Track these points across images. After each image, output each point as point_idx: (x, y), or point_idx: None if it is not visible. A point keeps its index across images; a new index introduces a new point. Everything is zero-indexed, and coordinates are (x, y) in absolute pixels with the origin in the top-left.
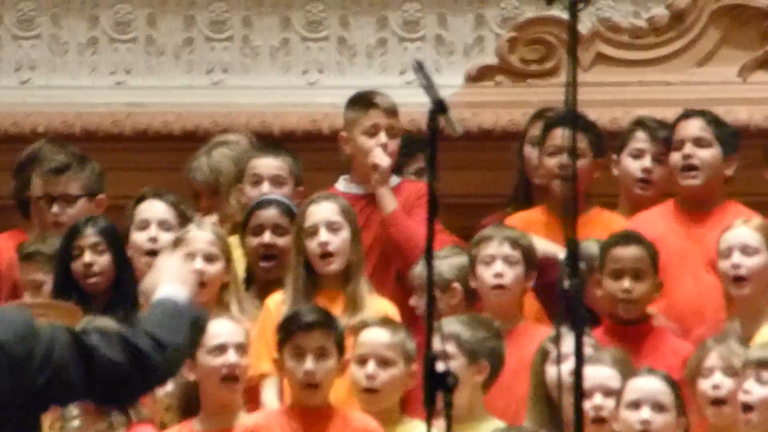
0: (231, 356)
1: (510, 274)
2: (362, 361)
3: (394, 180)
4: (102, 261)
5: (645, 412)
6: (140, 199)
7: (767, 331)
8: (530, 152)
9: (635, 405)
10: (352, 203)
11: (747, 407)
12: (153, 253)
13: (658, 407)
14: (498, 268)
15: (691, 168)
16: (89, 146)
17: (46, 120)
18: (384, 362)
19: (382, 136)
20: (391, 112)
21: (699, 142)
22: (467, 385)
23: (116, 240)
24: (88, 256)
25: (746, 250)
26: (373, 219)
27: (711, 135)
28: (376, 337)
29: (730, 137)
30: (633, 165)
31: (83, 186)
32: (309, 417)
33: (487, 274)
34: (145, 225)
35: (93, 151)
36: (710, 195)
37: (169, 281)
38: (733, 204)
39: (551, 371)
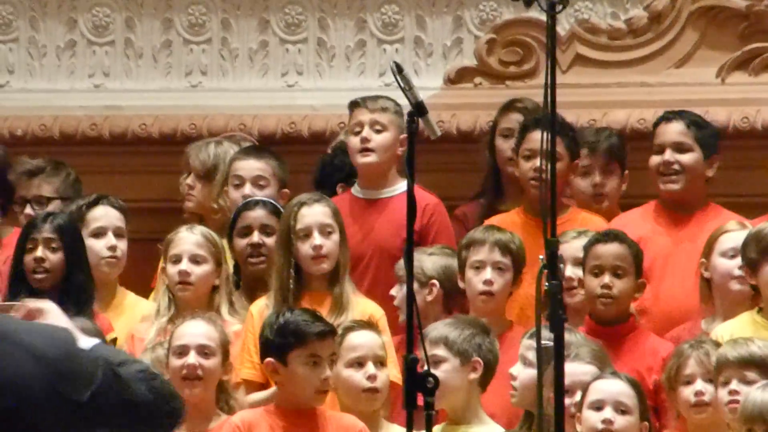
0: (190, 357)
1: (499, 281)
2: (359, 363)
3: (401, 185)
4: (54, 258)
5: (607, 412)
6: (93, 203)
7: (721, 329)
8: (501, 144)
9: (598, 406)
10: (357, 207)
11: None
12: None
13: (621, 409)
14: (488, 275)
15: (672, 173)
16: (67, 150)
17: (24, 123)
18: (380, 362)
19: (365, 131)
20: (376, 108)
21: (679, 147)
22: (463, 385)
23: (73, 238)
24: (40, 251)
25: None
26: (374, 224)
27: (691, 139)
28: (370, 338)
29: (711, 138)
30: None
31: (56, 189)
32: (298, 417)
33: (476, 280)
34: (102, 232)
35: (71, 155)
36: (692, 198)
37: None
38: (714, 206)
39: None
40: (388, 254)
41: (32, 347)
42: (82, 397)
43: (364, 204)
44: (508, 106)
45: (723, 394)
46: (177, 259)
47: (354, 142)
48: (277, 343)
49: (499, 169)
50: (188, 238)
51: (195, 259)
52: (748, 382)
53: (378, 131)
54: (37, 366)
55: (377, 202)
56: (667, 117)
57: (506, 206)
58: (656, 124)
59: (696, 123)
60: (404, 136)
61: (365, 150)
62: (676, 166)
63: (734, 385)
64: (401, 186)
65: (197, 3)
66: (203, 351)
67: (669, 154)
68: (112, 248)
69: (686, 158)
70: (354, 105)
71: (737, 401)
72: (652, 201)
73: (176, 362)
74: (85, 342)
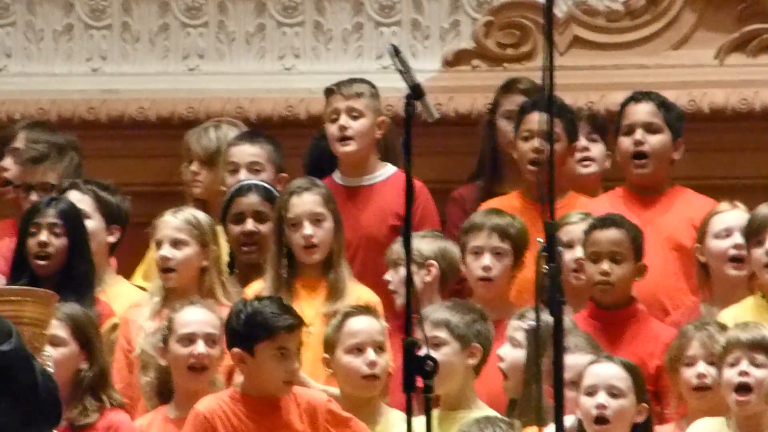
0: (200, 347)
1: (498, 267)
2: (359, 349)
3: (389, 170)
4: (57, 243)
5: (600, 397)
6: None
7: (726, 314)
8: (505, 126)
9: (591, 391)
10: (340, 195)
11: (745, 388)
12: None
13: (613, 393)
14: (486, 261)
15: (641, 155)
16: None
17: (21, 107)
18: (379, 348)
19: (342, 119)
20: (351, 94)
21: (649, 128)
22: (460, 369)
23: (76, 224)
24: (43, 236)
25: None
26: (359, 213)
27: (661, 120)
28: (370, 324)
29: (678, 121)
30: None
31: (61, 175)
32: (261, 404)
33: (475, 266)
34: None
35: None
36: (658, 180)
37: None
38: (680, 188)
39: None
40: (376, 242)
41: None
42: (2, 347)
43: (347, 192)
44: (509, 88)
45: (731, 374)
46: (159, 245)
47: (332, 130)
48: (245, 334)
49: (497, 151)
50: (169, 223)
51: (176, 243)
52: (757, 365)
53: (355, 117)
54: None
55: (359, 189)
56: (636, 97)
57: (504, 188)
58: (624, 105)
59: (665, 104)
60: (382, 119)
61: (344, 138)
62: (646, 148)
63: (744, 366)
64: (383, 172)
65: None
66: (210, 339)
67: (640, 134)
68: None
69: (656, 140)
70: (329, 92)
71: (747, 383)
72: (619, 187)
73: (182, 350)
74: None
